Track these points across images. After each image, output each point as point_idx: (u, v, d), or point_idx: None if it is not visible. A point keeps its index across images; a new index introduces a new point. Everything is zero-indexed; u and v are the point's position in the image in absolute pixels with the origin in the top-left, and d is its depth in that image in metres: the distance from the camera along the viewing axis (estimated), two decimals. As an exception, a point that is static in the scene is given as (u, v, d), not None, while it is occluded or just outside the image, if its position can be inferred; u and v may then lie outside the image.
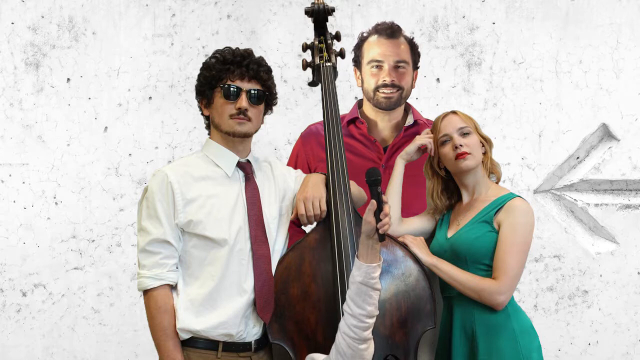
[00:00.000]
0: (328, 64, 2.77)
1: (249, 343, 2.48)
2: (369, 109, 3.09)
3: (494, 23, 4.16)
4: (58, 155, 4.09)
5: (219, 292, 2.44)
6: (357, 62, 3.10)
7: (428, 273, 2.59)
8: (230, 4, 4.17)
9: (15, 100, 4.10)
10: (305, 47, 2.84)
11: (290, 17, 4.15)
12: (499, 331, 2.54)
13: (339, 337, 2.32)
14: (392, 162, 2.84)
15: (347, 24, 4.14)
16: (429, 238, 2.73)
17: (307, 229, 2.77)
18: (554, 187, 4.14)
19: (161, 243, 2.45)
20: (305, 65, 2.81)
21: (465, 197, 2.70)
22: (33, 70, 4.12)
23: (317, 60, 2.78)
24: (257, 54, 2.56)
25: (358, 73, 3.10)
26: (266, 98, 2.56)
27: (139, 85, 4.13)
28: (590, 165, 4.12)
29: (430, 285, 2.58)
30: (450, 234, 2.66)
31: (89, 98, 4.11)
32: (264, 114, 2.60)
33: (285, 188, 2.63)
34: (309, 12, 2.79)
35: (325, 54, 2.78)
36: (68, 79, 4.12)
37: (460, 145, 2.63)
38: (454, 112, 2.72)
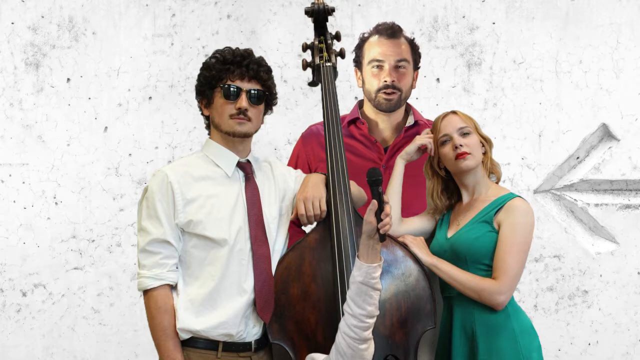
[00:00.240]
0: (328, 64, 2.77)
1: (249, 343, 2.48)
2: (369, 110, 3.09)
3: (494, 23, 4.16)
4: (58, 155, 4.09)
5: (219, 292, 2.44)
6: (358, 63, 3.10)
7: (428, 273, 2.59)
8: (230, 4, 4.17)
9: (15, 100, 4.10)
10: (305, 47, 2.84)
11: (290, 17, 4.15)
12: (499, 331, 2.54)
13: (339, 337, 2.32)
14: (392, 162, 2.84)
15: (347, 24, 4.14)
16: (429, 238, 2.73)
17: (307, 229, 2.77)
18: (554, 187, 4.14)
19: (161, 243, 2.45)
20: (305, 65, 2.81)
21: (465, 197, 2.70)
22: (33, 70, 4.12)
23: (317, 60, 2.78)
24: (257, 54, 2.56)
25: (359, 73, 3.10)
26: (266, 98, 2.56)
27: (139, 85, 4.13)
28: (590, 165, 4.12)
29: (430, 285, 2.58)
30: (450, 234, 2.66)
31: (89, 98, 4.11)
32: (264, 114, 2.60)
33: (285, 188, 2.63)
34: (309, 12, 2.78)
35: (325, 54, 2.77)
36: (68, 79, 4.12)
37: (460, 145, 2.63)
38: (454, 112, 2.72)
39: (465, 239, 2.59)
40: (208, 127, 2.61)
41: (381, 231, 2.23)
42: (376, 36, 3.05)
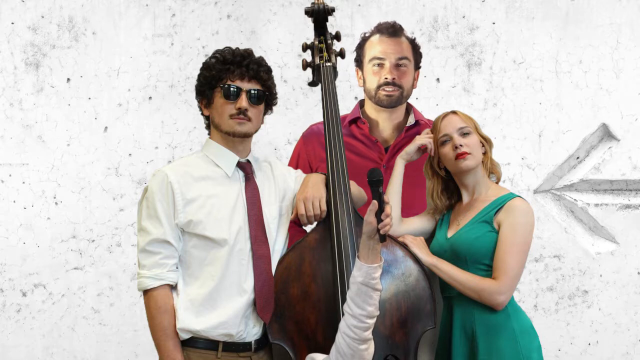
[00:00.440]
0: (328, 64, 2.77)
1: (249, 343, 2.48)
2: (370, 109, 3.09)
3: (494, 23, 4.16)
4: (58, 155, 4.09)
5: (219, 292, 2.44)
6: (359, 62, 3.10)
7: (428, 273, 2.59)
8: (230, 4, 4.17)
9: (15, 100, 4.10)
10: (305, 47, 2.84)
11: (290, 17, 4.15)
12: (499, 331, 2.54)
13: (339, 337, 2.32)
14: (393, 162, 2.83)
15: (347, 24, 4.14)
16: (429, 238, 2.73)
17: (307, 229, 2.77)
18: (554, 187, 4.14)
19: (161, 243, 2.45)
20: (305, 65, 2.81)
21: (465, 197, 2.70)
22: (33, 70, 4.12)
23: (317, 60, 2.78)
24: (257, 54, 2.56)
25: (360, 73, 3.10)
26: (266, 98, 2.56)
27: (139, 85, 4.13)
28: (590, 165, 4.12)
29: (430, 285, 2.58)
30: (450, 234, 2.66)
31: (89, 98, 4.11)
32: (264, 114, 2.60)
33: (285, 188, 2.63)
34: (309, 12, 2.78)
35: (325, 54, 2.77)
36: (68, 79, 4.12)
37: (460, 145, 2.63)
38: (454, 112, 2.72)
39: (465, 239, 2.59)
40: (208, 127, 2.61)
41: (381, 232, 2.23)
42: (377, 35, 3.05)
